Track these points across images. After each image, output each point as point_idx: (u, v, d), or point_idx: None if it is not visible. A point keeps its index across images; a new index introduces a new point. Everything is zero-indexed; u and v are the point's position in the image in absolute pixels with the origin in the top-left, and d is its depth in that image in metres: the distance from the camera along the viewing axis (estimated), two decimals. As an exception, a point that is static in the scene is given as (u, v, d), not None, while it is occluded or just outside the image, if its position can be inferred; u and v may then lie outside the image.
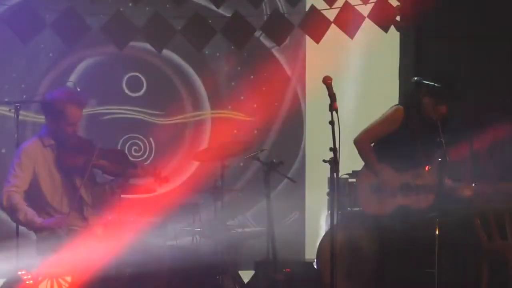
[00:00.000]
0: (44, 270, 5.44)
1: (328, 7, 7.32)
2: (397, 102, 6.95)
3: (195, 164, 8.13)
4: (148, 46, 7.46)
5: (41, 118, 6.22)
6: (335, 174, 5.01)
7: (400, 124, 6.11)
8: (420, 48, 7.43)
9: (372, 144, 6.25)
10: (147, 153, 8.33)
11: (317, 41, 7.37)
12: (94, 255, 5.32)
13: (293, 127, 8.66)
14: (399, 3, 7.42)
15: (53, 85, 7.79)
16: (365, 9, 7.38)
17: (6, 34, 7.07)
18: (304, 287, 6.68)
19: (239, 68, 8.59)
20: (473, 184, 6.05)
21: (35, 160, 5.67)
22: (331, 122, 4.98)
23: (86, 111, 7.02)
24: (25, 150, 5.70)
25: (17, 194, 5.57)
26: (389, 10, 7.40)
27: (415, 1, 7.18)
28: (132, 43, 7.33)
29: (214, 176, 6.68)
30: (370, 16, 7.36)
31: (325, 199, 7.37)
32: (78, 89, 6.22)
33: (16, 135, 6.48)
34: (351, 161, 6.34)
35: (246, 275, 6.88)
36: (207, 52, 8.24)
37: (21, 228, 6.12)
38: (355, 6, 7.35)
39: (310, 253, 7.84)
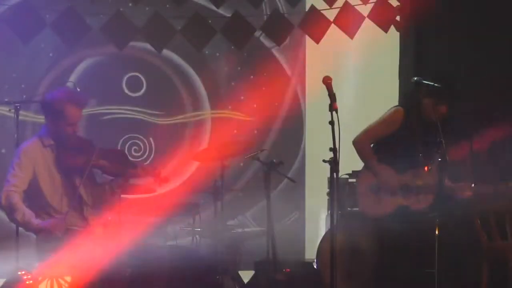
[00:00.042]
0: (44, 270, 5.44)
1: (328, 7, 7.32)
2: (397, 102, 6.98)
3: (195, 164, 8.13)
4: (148, 46, 7.46)
5: (41, 118, 6.22)
6: (335, 174, 5.01)
7: (400, 125, 6.11)
8: (420, 48, 7.42)
9: (372, 145, 6.25)
10: (147, 153, 8.34)
11: (317, 41, 7.37)
12: (94, 255, 5.32)
13: (293, 127, 8.66)
14: (399, 3, 7.42)
15: (53, 85, 7.79)
16: (365, 9, 7.38)
17: (6, 34, 7.07)
18: (304, 287, 6.68)
19: (239, 68, 8.59)
20: (473, 185, 6.05)
21: (35, 160, 5.67)
22: (331, 122, 4.97)
23: (86, 111, 7.03)
24: (24, 150, 5.69)
25: (16, 193, 5.57)
26: (389, 10, 7.40)
27: (415, 1, 7.18)
28: (132, 43, 7.33)
29: (214, 176, 6.67)
30: (370, 16, 7.36)
31: (325, 199, 7.37)
32: (78, 89, 6.23)
33: (16, 135, 6.49)
34: (351, 161, 6.34)
35: (246, 275, 6.87)
36: (207, 52, 8.24)
37: (22, 228, 6.12)
38: (355, 6, 7.35)
39: (310, 253, 7.84)
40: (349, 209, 6.89)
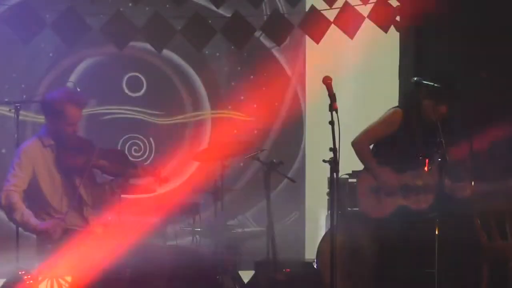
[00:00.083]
0: (44, 270, 5.44)
1: (328, 7, 7.32)
2: (397, 102, 6.98)
3: (195, 164, 8.13)
4: (148, 46, 7.47)
5: (41, 118, 6.23)
6: (335, 174, 5.01)
7: (399, 126, 6.11)
8: (420, 48, 7.42)
9: (371, 146, 6.26)
10: (147, 153, 8.34)
11: (317, 41, 7.37)
12: (94, 255, 5.32)
13: (293, 127, 8.66)
14: (399, 3, 7.42)
15: (53, 85, 7.80)
16: (365, 9, 7.38)
17: (6, 34, 7.07)
18: (304, 287, 6.68)
19: (239, 68, 8.60)
20: (472, 183, 6.05)
21: (35, 160, 5.67)
22: (331, 122, 4.97)
23: (86, 111, 7.03)
24: (24, 150, 5.69)
25: (16, 193, 5.57)
26: (389, 10, 7.40)
27: (415, 1, 7.18)
28: (132, 43, 7.33)
29: (214, 176, 6.68)
30: (370, 16, 7.36)
31: (325, 199, 7.37)
32: (78, 89, 6.23)
33: (16, 135, 6.49)
34: (351, 161, 6.33)
35: (246, 275, 6.87)
36: (207, 52, 8.25)
37: (21, 228, 6.13)
38: (355, 6, 7.35)
39: (310, 253, 7.84)
40: (349, 209, 6.89)
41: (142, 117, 8.37)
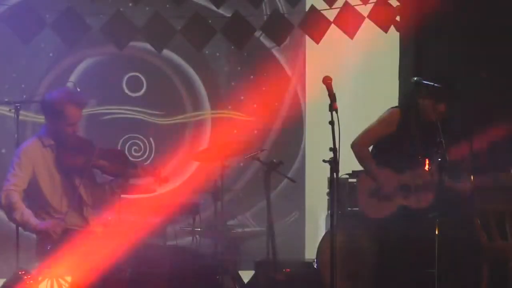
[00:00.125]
0: (44, 270, 5.44)
1: (328, 7, 7.31)
2: (397, 103, 6.99)
3: (195, 164, 8.13)
4: (148, 46, 7.46)
5: (41, 118, 6.23)
6: (335, 174, 5.01)
7: (397, 126, 6.12)
8: (420, 48, 7.42)
9: (371, 148, 6.27)
10: (147, 153, 8.34)
11: (317, 41, 7.37)
12: (94, 255, 5.32)
13: (293, 127, 8.66)
14: (399, 3, 7.41)
15: (53, 85, 7.80)
16: (365, 9, 7.38)
17: (6, 34, 7.07)
18: (304, 287, 6.68)
19: (239, 68, 8.60)
20: (472, 178, 6.04)
21: (35, 160, 5.67)
22: (331, 122, 4.97)
23: (86, 111, 7.04)
24: (24, 150, 5.69)
25: (16, 193, 5.57)
26: (389, 10, 7.40)
27: (415, 1, 7.17)
28: (132, 43, 7.32)
29: (214, 176, 6.68)
30: (370, 16, 7.36)
31: (325, 199, 7.37)
32: (78, 89, 6.23)
33: (16, 135, 6.50)
34: (351, 161, 6.34)
35: (246, 275, 6.87)
36: (207, 52, 8.25)
37: (21, 228, 6.13)
38: (355, 6, 7.34)
39: (310, 253, 7.84)
40: (349, 209, 6.89)
41: (142, 117, 8.37)
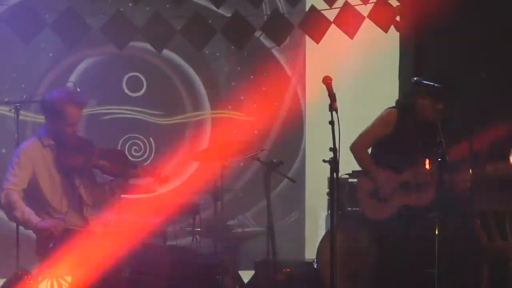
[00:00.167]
0: (44, 270, 5.44)
1: (328, 7, 7.31)
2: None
3: (195, 164, 8.13)
4: (148, 46, 7.46)
5: (41, 118, 6.23)
6: (335, 174, 5.01)
7: (394, 126, 6.15)
8: (420, 48, 7.42)
9: (370, 150, 6.28)
10: (147, 153, 8.34)
11: (317, 41, 7.37)
12: (94, 255, 5.32)
13: (293, 127, 8.66)
14: (399, 3, 7.42)
15: (53, 85, 7.80)
16: (365, 9, 7.38)
17: (6, 34, 7.07)
18: (304, 287, 6.68)
19: (239, 68, 8.60)
20: (471, 171, 6.05)
21: (35, 160, 5.67)
22: (331, 122, 4.97)
23: (86, 111, 7.04)
24: (24, 150, 5.70)
25: (15, 192, 5.56)
26: (389, 10, 7.40)
27: (415, 1, 7.17)
28: (132, 43, 7.32)
29: (214, 176, 6.68)
30: (370, 16, 7.36)
31: (325, 199, 7.37)
32: (78, 89, 6.23)
33: (16, 135, 6.50)
34: (351, 161, 6.35)
35: (246, 275, 6.88)
36: (207, 52, 8.24)
37: (21, 228, 6.12)
38: (355, 6, 7.35)
39: (310, 253, 7.84)
40: (349, 209, 6.89)
41: (142, 117, 8.36)
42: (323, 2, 7.33)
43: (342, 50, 7.98)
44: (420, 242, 5.88)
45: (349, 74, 8.16)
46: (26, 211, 5.55)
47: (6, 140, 7.58)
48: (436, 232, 5.51)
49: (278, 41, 7.56)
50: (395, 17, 7.43)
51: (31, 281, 5.40)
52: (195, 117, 8.52)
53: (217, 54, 8.50)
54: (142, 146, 8.33)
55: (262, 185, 6.46)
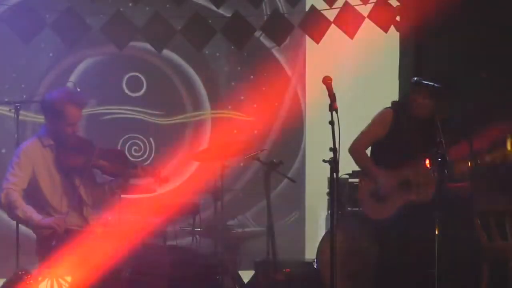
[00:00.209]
0: (44, 270, 5.44)
1: (328, 7, 7.32)
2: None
3: (195, 164, 8.13)
4: (148, 46, 7.46)
5: (41, 118, 6.23)
6: (335, 174, 5.01)
7: (390, 125, 6.17)
8: (420, 48, 7.42)
9: (370, 151, 6.29)
10: (147, 153, 8.34)
11: (317, 41, 7.37)
12: (94, 255, 5.32)
13: (293, 127, 8.66)
14: (399, 3, 7.42)
15: (53, 85, 7.80)
16: (365, 9, 7.38)
17: (6, 34, 7.07)
18: (304, 287, 6.68)
19: (239, 68, 8.60)
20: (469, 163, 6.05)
21: (34, 160, 5.67)
22: (331, 122, 4.97)
23: (86, 111, 7.03)
24: (24, 150, 5.70)
25: (15, 191, 5.57)
26: (389, 10, 7.40)
27: (415, 1, 7.17)
28: (132, 43, 7.33)
29: (214, 176, 6.68)
30: (370, 16, 7.36)
31: (325, 199, 7.37)
32: (78, 89, 6.23)
33: (16, 135, 6.50)
34: (351, 161, 6.35)
35: (246, 275, 6.88)
36: (207, 52, 8.25)
37: (21, 228, 6.13)
38: (355, 6, 7.35)
39: (310, 253, 7.84)
40: (349, 209, 6.89)
41: (142, 117, 8.36)
42: (323, 2, 7.33)
43: (342, 50, 7.99)
44: (420, 242, 5.88)
45: (349, 74, 8.16)
46: (28, 209, 5.55)
47: (6, 140, 7.58)
48: (436, 232, 5.51)
49: (278, 41, 7.56)
50: (395, 17, 7.43)
51: (31, 281, 5.40)
52: (195, 117, 8.52)
53: (217, 54, 8.50)
54: (142, 146, 8.33)
55: (262, 185, 6.46)
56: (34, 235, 5.72)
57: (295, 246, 8.40)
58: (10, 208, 5.57)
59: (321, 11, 7.33)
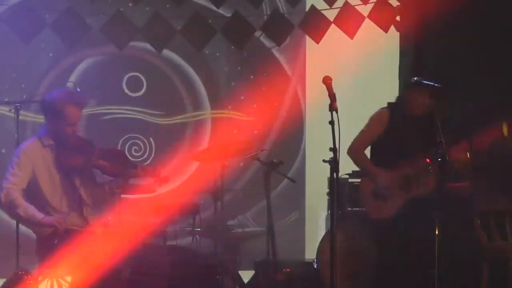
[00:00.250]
0: (44, 270, 5.44)
1: (328, 7, 7.32)
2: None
3: (195, 164, 8.13)
4: (148, 46, 7.46)
5: (41, 118, 6.23)
6: (335, 174, 5.01)
7: (387, 125, 6.18)
8: (420, 48, 7.42)
9: (370, 154, 6.30)
10: (147, 153, 8.34)
11: (317, 41, 7.37)
12: (94, 255, 5.32)
13: (293, 127, 8.65)
14: (399, 3, 7.42)
15: (53, 85, 7.80)
16: (365, 9, 7.38)
17: (6, 34, 7.07)
18: (304, 287, 6.68)
19: (239, 68, 8.59)
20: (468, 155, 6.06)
21: (34, 160, 5.67)
22: (331, 122, 4.97)
23: (86, 111, 7.03)
24: (24, 150, 5.70)
25: (16, 191, 5.57)
26: (389, 10, 7.40)
27: (415, 1, 7.18)
28: (132, 43, 7.32)
29: (214, 176, 6.68)
30: (370, 16, 7.36)
31: (325, 199, 7.37)
32: (78, 89, 6.23)
33: (16, 135, 6.50)
34: (351, 161, 6.35)
35: (246, 275, 6.88)
36: (207, 52, 8.24)
37: (21, 228, 6.12)
38: (355, 6, 7.35)
39: (310, 253, 7.84)
40: (349, 209, 6.89)
41: (142, 117, 8.36)
42: (323, 2, 7.33)
43: (342, 50, 7.98)
44: (420, 242, 5.88)
45: (349, 74, 8.16)
46: (29, 208, 5.55)
47: (6, 140, 7.58)
48: (436, 232, 5.51)
49: (278, 41, 7.56)
50: (395, 17, 7.44)
51: (31, 281, 5.40)
52: (195, 117, 8.52)
53: (217, 54, 8.50)
54: (142, 146, 8.33)
55: (262, 185, 6.46)
56: (34, 235, 5.72)
57: (295, 246, 8.39)
58: (11, 207, 5.57)
59: (321, 11, 7.33)
